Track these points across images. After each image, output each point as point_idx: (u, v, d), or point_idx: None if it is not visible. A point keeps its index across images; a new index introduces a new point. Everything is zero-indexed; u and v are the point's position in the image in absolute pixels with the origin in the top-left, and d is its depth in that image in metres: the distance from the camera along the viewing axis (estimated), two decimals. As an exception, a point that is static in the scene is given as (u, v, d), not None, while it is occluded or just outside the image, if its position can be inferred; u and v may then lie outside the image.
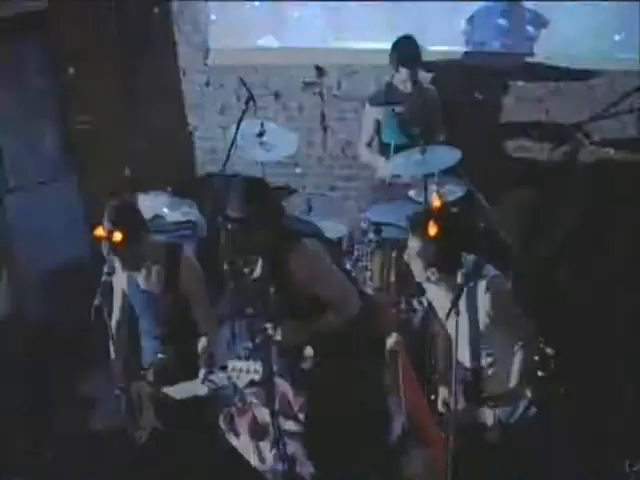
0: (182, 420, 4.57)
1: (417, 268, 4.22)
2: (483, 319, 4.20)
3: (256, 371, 4.08)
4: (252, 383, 4.10)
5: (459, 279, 3.95)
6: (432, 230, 3.97)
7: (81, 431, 5.17)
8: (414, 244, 4.19)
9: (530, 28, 6.28)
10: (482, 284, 4.18)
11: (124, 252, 4.34)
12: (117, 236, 4.19)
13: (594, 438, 4.74)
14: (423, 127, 5.70)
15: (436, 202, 4.26)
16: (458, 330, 3.88)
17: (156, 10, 6.58)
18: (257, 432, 4.65)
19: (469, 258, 4.20)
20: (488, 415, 4.28)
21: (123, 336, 4.82)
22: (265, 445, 4.58)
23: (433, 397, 4.58)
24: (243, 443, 4.65)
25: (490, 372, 4.29)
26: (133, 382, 4.64)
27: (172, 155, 6.52)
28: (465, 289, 3.96)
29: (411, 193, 5.73)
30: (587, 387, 4.85)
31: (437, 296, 4.36)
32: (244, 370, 4.11)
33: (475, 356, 4.26)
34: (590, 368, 5.02)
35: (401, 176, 5.89)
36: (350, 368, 4.38)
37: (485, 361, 4.28)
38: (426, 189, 5.58)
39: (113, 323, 4.66)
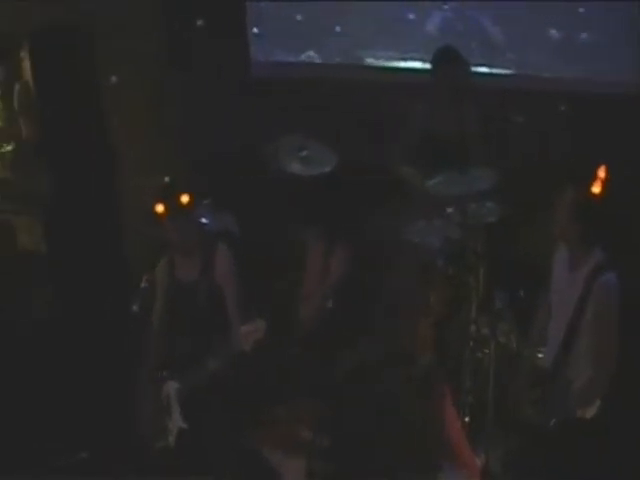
0: (209, 421, 4.67)
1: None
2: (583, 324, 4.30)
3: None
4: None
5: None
6: None
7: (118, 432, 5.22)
8: None
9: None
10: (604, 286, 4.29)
11: (176, 229, 4.60)
12: (184, 198, 4.56)
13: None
14: (463, 146, 5.75)
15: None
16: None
17: (199, 22, 6.66)
18: (287, 446, 4.64)
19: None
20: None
21: (161, 335, 4.91)
22: (295, 460, 4.59)
23: (468, 419, 4.65)
24: (274, 456, 4.69)
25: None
26: (165, 381, 4.75)
27: (211, 165, 6.57)
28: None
29: (449, 211, 5.69)
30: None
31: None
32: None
33: (557, 361, 4.35)
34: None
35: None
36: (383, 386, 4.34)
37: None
38: (464, 208, 5.57)
39: (154, 322, 4.84)
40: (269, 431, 4.72)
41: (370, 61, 6.81)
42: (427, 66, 6.17)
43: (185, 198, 4.63)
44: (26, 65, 5.97)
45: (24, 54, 5.97)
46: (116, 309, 5.61)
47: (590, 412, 4.33)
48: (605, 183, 4.42)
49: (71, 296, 5.91)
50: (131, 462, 4.92)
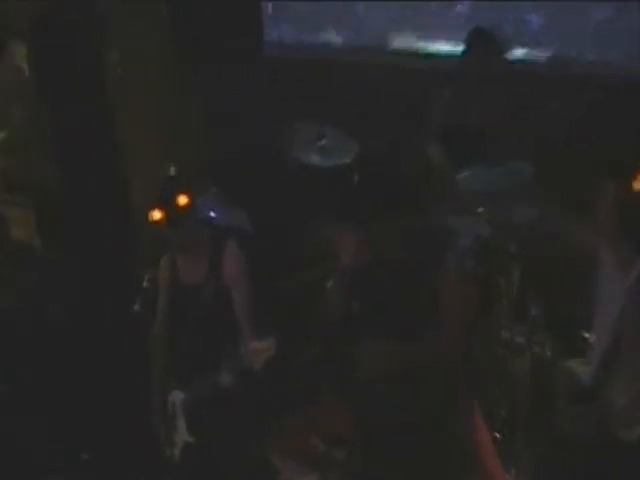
0: (215, 434, 4.50)
1: None
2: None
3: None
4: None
5: None
6: None
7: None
8: None
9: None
10: None
11: (177, 231, 4.34)
12: (182, 199, 4.26)
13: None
14: (494, 136, 5.48)
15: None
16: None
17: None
18: (300, 457, 4.60)
19: None
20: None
21: (164, 340, 4.70)
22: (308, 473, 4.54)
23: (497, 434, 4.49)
24: (285, 466, 4.64)
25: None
26: (171, 391, 4.58)
27: (220, 154, 6.29)
28: None
29: (480, 210, 5.35)
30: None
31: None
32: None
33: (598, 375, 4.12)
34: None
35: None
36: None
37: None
38: (496, 205, 5.27)
39: (156, 326, 4.65)
40: (281, 440, 4.65)
41: (394, 44, 6.55)
42: (456, 50, 5.93)
43: (184, 200, 4.35)
44: (21, 51, 5.86)
45: (19, 40, 5.86)
46: (118, 308, 5.30)
47: (634, 433, 4.01)
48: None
49: (69, 294, 5.73)
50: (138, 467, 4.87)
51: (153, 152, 6.00)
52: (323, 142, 5.47)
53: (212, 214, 5.46)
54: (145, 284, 4.73)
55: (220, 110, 6.19)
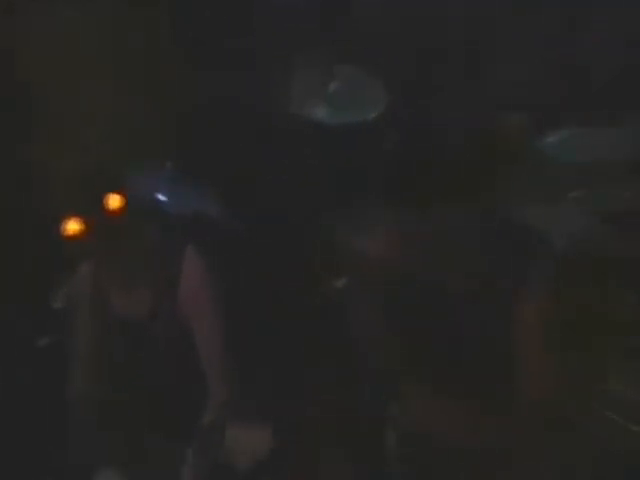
0: None
1: None
2: None
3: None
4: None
5: None
6: None
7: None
8: None
9: None
10: None
11: (108, 244, 3.56)
12: (114, 200, 3.50)
13: None
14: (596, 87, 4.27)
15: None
16: None
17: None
18: None
19: None
20: None
21: (87, 401, 3.73)
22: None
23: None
24: None
25: None
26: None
27: (181, 109, 4.74)
28: None
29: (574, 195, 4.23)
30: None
31: None
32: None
33: None
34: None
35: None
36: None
37: None
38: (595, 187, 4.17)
39: (74, 380, 3.73)
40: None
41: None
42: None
43: (115, 202, 3.56)
44: None
45: None
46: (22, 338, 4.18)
47: None
48: None
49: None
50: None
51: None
52: (334, 87, 4.30)
53: (161, 197, 4.21)
54: (58, 303, 3.97)
55: (182, 35, 4.78)
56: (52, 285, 3.82)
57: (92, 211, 3.50)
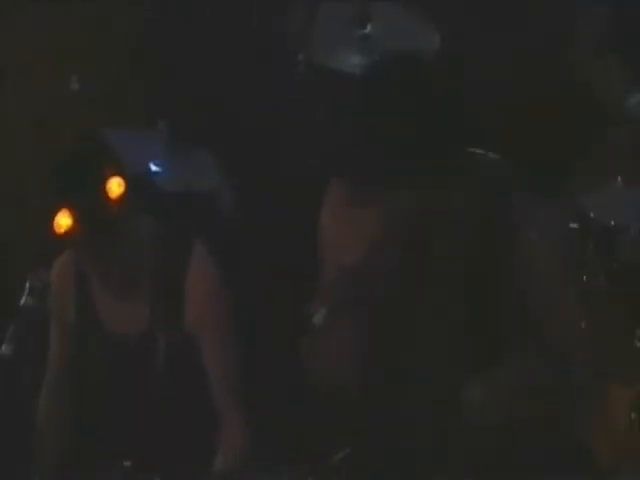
0: None
1: None
2: None
3: None
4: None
5: None
6: None
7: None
8: None
9: None
10: None
11: (102, 245, 3.07)
12: (115, 183, 2.95)
13: None
14: None
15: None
16: None
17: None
18: None
19: None
20: None
21: (57, 423, 3.33)
22: None
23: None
24: None
25: None
26: None
27: (176, 58, 4.13)
28: None
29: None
30: None
31: None
32: None
33: None
34: None
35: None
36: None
37: None
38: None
39: (44, 397, 3.32)
40: None
41: None
42: None
43: (117, 187, 3.02)
44: None
45: None
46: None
47: None
48: None
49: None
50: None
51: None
52: (368, 29, 3.67)
53: (154, 168, 3.61)
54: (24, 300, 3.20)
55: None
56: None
57: (84, 199, 2.98)
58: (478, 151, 3.08)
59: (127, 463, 3.01)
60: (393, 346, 2.93)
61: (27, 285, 3.09)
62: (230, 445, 3.06)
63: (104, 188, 3.00)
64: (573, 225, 3.68)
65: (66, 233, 3.00)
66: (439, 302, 2.93)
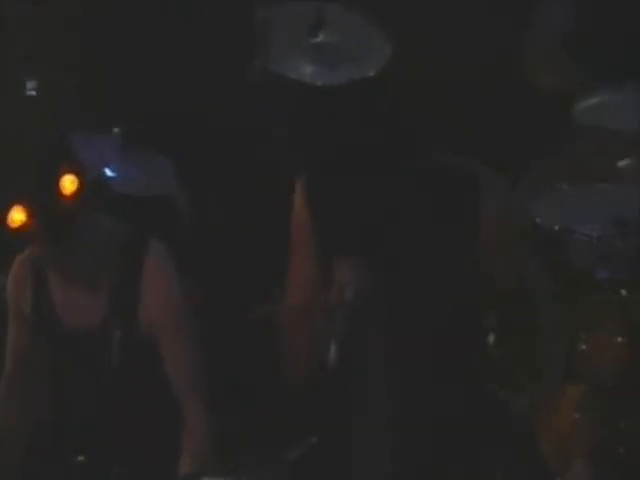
0: None
1: None
2: None
3: None
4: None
5: None
6: None
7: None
8: None
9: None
10: None
11: (57, 243, 3.03)
12: (68, 180, 2.97)
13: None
14: None
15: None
16: None
17: None
18: None
19: None
20: None
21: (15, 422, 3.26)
22: None
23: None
24: None
25: None
26: None
27: (133, 61, 4.13)
28: None
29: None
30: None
31: None
32: None
33: None
34: None
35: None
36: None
37: None
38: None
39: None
40: None
41: None
42: None
43: (71, 184, 3.04)
44: None
45: None
46: None
47: None
48: None
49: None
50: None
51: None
52: (321, 38, 3.57)
53: (109, 172, 3.63)
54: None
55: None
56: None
57: (40, 196, 2.97)
58: (438, 151, 3.05)
59: (81, 458, 3.01)
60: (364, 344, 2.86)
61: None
62: (192, 443, 3.03)
63: (57, 185, 2.99)
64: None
65: (20, 228, 2.98)
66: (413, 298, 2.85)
